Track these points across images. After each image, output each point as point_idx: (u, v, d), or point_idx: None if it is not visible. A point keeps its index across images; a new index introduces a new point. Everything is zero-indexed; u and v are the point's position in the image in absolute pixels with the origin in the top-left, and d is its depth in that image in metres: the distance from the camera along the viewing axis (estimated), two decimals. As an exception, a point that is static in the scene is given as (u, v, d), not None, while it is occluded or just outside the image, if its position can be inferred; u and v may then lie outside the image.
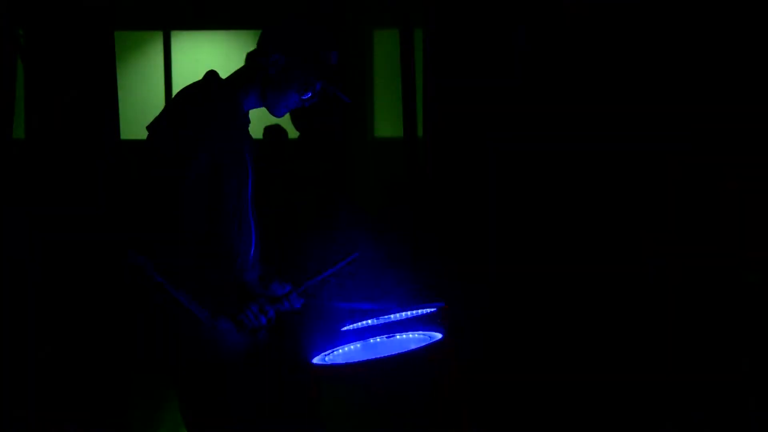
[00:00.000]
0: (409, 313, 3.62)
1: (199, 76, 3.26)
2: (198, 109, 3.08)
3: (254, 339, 3.22)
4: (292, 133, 8.10)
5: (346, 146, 9.09)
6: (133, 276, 3.07)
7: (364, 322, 3.53)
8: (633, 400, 5.19)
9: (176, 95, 3.18)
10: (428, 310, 3.56)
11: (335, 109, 8.56)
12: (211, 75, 3.24)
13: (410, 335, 3.24)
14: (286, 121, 8.04)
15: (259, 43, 3.23)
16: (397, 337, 3.26)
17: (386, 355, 2.92)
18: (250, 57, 3.24)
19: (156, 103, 10.74)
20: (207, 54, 10.85)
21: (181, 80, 10.62)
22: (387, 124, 10.46)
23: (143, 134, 3.18)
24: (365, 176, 9.41)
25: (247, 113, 3.29)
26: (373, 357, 2.95)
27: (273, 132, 7.98)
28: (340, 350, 3.20)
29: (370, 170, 9.67)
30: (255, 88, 3.22)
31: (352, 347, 3.23)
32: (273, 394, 3.20)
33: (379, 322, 3.51)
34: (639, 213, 5.77)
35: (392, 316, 3.61)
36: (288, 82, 3.18)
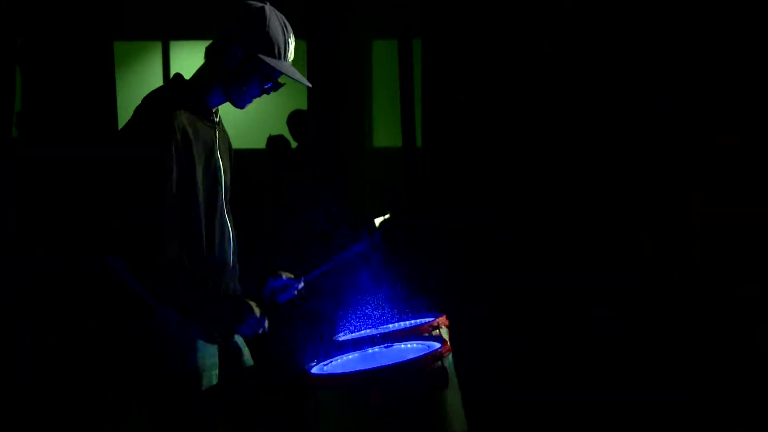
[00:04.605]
0: (407, 323, 3.62)
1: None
2: (159, 124, 3.02)
3: (223, 346, 3.21)
4: (294, 142, 8.11)
5: (344, 156, 9.09)
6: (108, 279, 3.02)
7: (363, 331, 3.53)
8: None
9: (138, 106, 3.12)
10: (427, 319, 3.56)
11: (334, 119, 8.56)
12: (176, 77, 3.20)
13: (408, 345, 3.23)
14: (287, 132, 8.04)
15: (215, 37, 3.19)
16: (395, 346, 3.25)
17: (384, 364, 2.92)
18: (208, 52, 3.20)
19: (155, 114, 10.71)
20: (206, 64, 10.84)
21: (180, 90, 10.61)
22: (386, 134, 10.45)
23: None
24: (363, 186, 9.40)
25: (216, 111, 3.24)
26: (371, 366, 2.94)
27: (275, 142, 8.02)
28: (339, 359, 3.20)
29: (368, 180, 9.66)
30: (216, 83, 3.17)
31: (350, 356, 3.22)
32: (269, 403, 3.20)
33: (377, 332, 3.51)
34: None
35: (390, 326, 3.61)
36: (248, 74, 3.14)
